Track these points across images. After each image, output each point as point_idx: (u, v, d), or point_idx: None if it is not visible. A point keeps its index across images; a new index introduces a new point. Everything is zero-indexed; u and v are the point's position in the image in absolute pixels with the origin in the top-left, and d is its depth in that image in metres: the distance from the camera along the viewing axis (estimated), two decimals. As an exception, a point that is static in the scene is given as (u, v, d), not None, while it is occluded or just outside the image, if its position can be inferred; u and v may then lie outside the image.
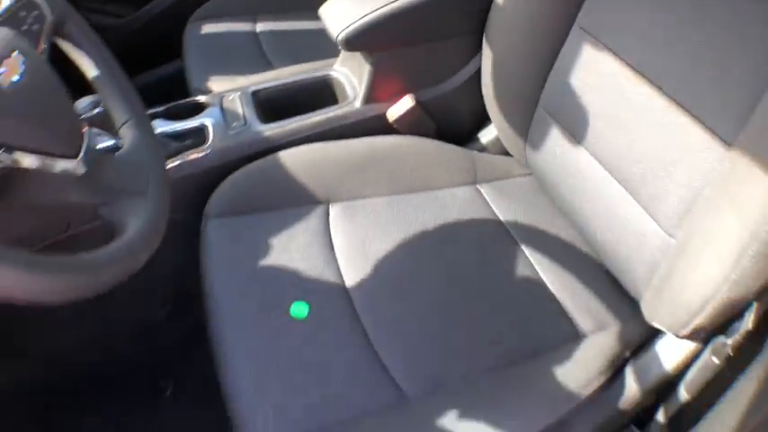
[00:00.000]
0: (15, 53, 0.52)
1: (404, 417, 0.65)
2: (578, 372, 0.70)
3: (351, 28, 0.89)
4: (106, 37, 0.71)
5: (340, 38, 0.90)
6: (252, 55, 1.19)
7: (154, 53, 1.36)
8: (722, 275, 0.58)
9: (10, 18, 0.58)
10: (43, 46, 0.62)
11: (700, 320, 0.62)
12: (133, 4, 1.41)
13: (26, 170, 0.49)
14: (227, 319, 0.72)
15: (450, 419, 0.63)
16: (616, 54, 0.73)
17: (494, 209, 0.91)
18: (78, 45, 0.67)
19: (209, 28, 1.25)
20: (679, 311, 0.64)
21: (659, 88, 0.68)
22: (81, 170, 0.53)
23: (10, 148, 0.48)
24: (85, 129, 0.55)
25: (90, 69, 0.66)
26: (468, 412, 0.64)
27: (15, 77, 0.50)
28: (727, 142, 0.61)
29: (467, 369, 0.70)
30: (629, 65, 0.72)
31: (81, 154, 0.53)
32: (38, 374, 1.05)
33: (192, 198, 0.88)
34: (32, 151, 0.49)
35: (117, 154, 0.61)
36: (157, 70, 1.35)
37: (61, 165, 0.51)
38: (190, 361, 1.07)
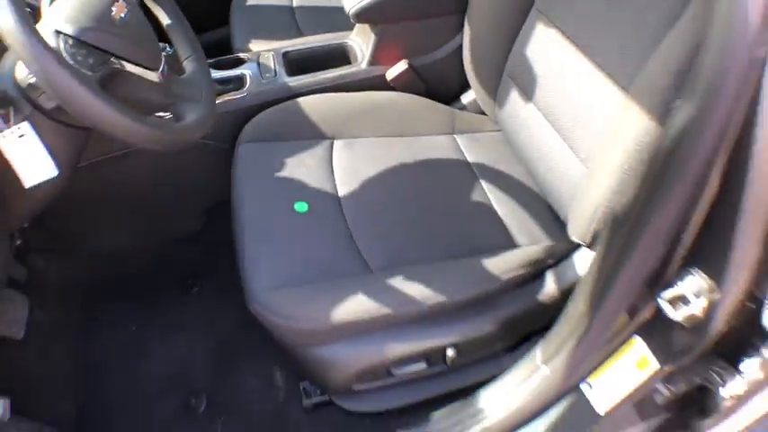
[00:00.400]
0: (121, 0, 0.78)
1: (365, 280, 0.89)
2: (504, 264, 0.92)
3: (360, 5, 1.14)
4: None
5: (351, 12, 1.15)
6: (286, 24, 1.43)
7: (204, 20, 1.59)
8: (607, 187, 0.79)
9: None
10: (135, -1, 0.88)
11: (595, 225, 0.84)
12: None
13: (127, 73, 0.75)
14: (248, 211, 0.97)
15: (398, 282, 0.87)
16: (558, 27, 0.95)
17: (465, 153, 1.14)
18: (157, 1, 0.93)
19: (252, 0, 1.50)
20: (582, 222, 0.86)
21: (584, 51, 0.89)
22: (161, 80, 0.79)
23: (119, 58, 0.74)
24: (164, 54, 0.81)
25: (164, 18, 0.93)
26: (414, 279, 0.87)
27: (123, 15, 0.76)
28: (626, 90, 0.82)
29: (420, 256, 0.94)
30: (566, 35, 0.93)
31: (160, 69, 0.79)
32: (85, 271, 1.28)
33: (230, 130, 1.14)
34: (131, 62, 0.75)
35: (182, 76, 0.86)
36: (206, 35, 1.59)
37: (149, 74, 0.77)
38: (215, 267, 1.32)
